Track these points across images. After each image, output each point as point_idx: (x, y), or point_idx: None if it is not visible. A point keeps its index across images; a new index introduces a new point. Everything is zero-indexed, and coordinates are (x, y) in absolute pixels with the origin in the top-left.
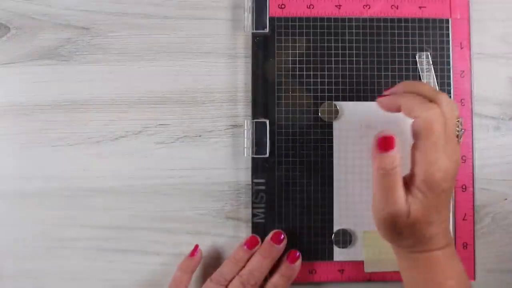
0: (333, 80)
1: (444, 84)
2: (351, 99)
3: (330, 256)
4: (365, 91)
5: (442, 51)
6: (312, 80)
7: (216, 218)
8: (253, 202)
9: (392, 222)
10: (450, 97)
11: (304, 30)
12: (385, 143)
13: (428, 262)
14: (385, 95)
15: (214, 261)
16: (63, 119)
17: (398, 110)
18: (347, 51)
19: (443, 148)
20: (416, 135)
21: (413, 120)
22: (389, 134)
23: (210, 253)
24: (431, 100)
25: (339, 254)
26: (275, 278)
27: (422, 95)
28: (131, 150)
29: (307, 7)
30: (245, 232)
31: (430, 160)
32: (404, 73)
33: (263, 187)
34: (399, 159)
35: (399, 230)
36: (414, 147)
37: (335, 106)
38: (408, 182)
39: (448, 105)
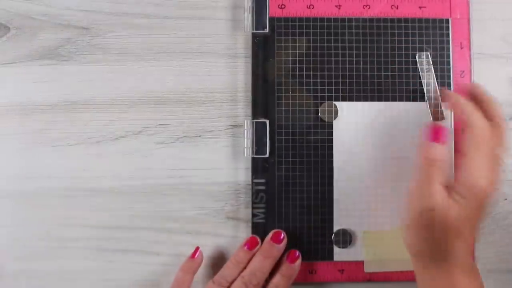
0: (333, 80)
1: (444, 84)
2: (351, 99)
3: (330, 256)
4: (365, 91)
5: (442, 51)
6: (312, 80)
7: (216, 218)
8: (253, 202)
9: (428, 217)
10: None
11: (304, 30)
12: (438, 133)
13: (446, 279)
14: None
15: (214, 262)
16: (63, 119)
17: (459, 112)
18: (347, 51)
19: (492, 162)
20: (469, 143)
21: (469, 127)
22: (445, 126)
23: (210, 253)
24: (490, 114)
25: (339, 254)
26: (276, 279)
27: (485, 104)
28: (131, 150)
29: (307, 7)
30: (245, 232)
31: (479, 169)
32: (404, 73)
33: (263, 187)
34: (447, 155)
35: (430, 231)
36: (463, 154)
37: (335, 106)
38: (450, 187)
39: (504, 124)
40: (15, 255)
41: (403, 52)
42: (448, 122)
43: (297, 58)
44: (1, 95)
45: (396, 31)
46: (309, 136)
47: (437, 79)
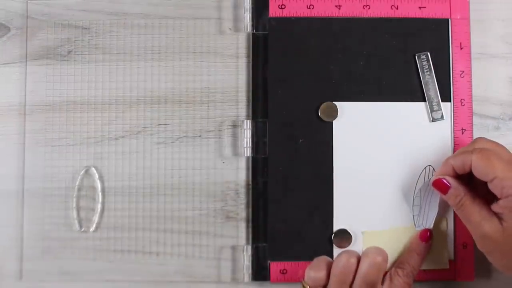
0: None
1: (444, 84)
2: (351, 99)
3: (330, 256)
4: (365, 91)
5: (442, 51)
6: (311, 80)
7: (216, 218)
8: (253, 202)
9: (488, 239)
10: (450, 97)
11: (304, 30)
12: (439, 188)
13: None
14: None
15: (215, 263)
16: (63, 119)
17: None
18: (347, 51)
19: None
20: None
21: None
22: (436, 178)
23: (208, 253)
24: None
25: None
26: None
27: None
28: (131, 150)
29: (307, 7)
30: (245, 232)
31: None
32: (404, 73)
33: (263, 187)
34: (463, 193)
35: (496, 246)
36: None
37: (335, 106)
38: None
39: None
40: (15, 255)
41: (403, 52)
42: (448, 122)
43: (296, 58)
44: (1, 95)
45: (396, 31)
46: (309, 136)
47: (437, 79)
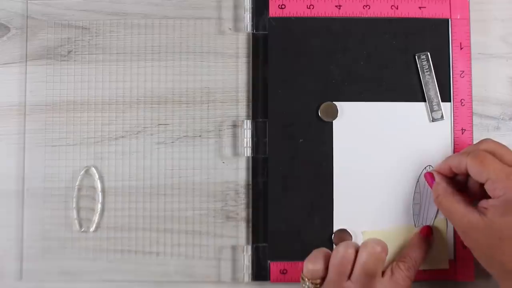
0: (333, 80)
1: (444, 84)
2: (351, 99)
3: None
4: (365, 91)
5: (442, 51)
6: (311, 80)
7: (216, 218)
8: (253, 202)
9: (467, 235)
10: (450, 97)
11: (304, 30)
12: (427, 181)
13: None
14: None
15: (215, 263)
16: (63, 119)
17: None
18: (347, 51)
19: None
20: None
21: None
22: (427, 171)
23: (208, 253)
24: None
25: None
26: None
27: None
28: (131, 150)
29: (307, 7)
30: (245, 232)
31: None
32: (404, 73)
33: (263, 187)
34: (441, 188)
35: (476, 243)
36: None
37: (335, 106)
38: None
39: None
40: (15, 255)
41: (403, 52)
42: (448, 122)
43: (296, 58)
44: (1, 95)
45: (395, 31)
46: (309, 136)
47: (437, 79)
